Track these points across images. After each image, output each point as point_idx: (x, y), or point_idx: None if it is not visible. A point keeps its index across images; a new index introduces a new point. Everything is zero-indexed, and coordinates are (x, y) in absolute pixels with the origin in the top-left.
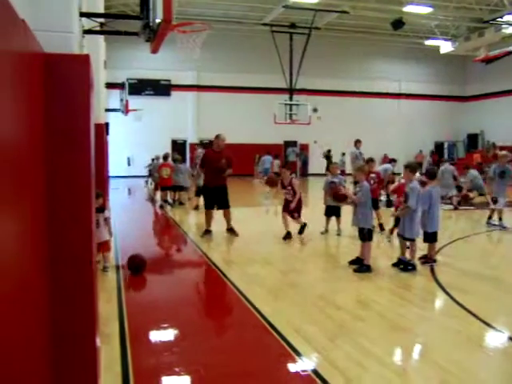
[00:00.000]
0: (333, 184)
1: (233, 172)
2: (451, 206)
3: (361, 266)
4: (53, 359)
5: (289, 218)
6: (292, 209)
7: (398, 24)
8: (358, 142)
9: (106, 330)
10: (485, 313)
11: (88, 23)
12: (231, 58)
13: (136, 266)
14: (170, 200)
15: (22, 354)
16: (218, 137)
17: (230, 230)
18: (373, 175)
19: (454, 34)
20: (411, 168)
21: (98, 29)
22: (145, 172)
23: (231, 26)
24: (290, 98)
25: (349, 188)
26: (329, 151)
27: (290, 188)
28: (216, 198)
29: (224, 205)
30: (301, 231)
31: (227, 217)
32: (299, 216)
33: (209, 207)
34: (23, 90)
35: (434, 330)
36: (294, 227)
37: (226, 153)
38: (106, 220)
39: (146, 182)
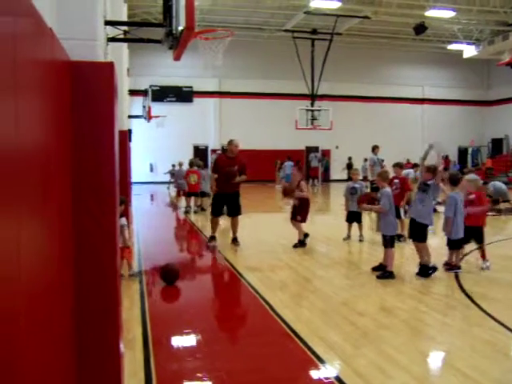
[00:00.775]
0: (353, 190)
1: (254, 178)
2: None
3: (384, 272)
4: (77, 364)
5: (301, 225)
6: (295, 210)
7: (420, 29)
8: (375, 148)
9: (128, 335)
10: (511, 321)
11: (112, 31)
12: (253, 64)
13: (170, 278)
14: (193, 206)
15: (46, 359)
16: (230, 142)
17: (234, 240)
18: (396, 181)
19: (478, 37)
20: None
21: (121, 37)
22: (167, 178)
23: (253, 33)
24: (312, 104)
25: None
26: (349, 158)
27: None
28: (226, 204)
29: (234, 212)
30: (297, 245)
31: (235, 225)
32: (303, 220)
33: (216, 214)
34: (50, 96)
35: (458, 337)
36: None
37: (240, 158)
38: (121, 228)
39: (168, 188)
